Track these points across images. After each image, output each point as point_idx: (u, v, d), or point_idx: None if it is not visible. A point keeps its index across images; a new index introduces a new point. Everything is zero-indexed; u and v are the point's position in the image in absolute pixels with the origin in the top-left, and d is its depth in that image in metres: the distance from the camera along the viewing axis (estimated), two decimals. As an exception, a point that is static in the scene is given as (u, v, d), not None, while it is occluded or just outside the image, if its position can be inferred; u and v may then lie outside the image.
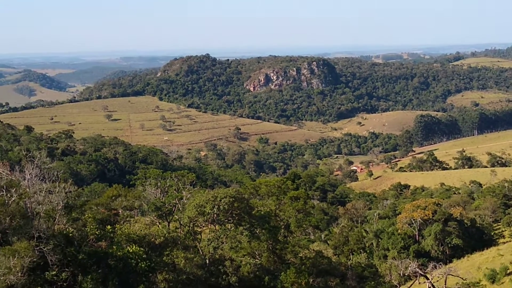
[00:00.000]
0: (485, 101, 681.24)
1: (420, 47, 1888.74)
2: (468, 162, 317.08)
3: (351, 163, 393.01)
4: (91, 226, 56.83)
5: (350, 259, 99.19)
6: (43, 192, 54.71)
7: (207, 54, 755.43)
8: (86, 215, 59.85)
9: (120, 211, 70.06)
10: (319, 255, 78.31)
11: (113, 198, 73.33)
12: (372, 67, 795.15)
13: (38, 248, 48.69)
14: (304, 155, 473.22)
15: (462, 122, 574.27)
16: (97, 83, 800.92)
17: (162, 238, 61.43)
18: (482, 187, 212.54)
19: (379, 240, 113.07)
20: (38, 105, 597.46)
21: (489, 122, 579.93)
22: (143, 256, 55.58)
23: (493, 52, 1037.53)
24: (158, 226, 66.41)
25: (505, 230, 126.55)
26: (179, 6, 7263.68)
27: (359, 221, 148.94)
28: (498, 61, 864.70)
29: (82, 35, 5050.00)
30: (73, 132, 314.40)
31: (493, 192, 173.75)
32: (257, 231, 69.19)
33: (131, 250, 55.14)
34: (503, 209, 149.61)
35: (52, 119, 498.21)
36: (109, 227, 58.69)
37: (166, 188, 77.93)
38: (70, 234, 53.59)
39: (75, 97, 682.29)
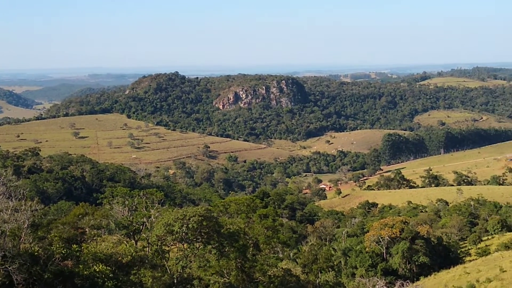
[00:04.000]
0: (451, 120, 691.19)
1: (388, 66, 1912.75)
2: (434, 180, 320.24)
3: (319, 181, 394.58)
4: (57, 245, 56.03)
5: (319, 277, 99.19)
6: (9, 210, 53.89)
7: (176, 72, 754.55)
8: (52, 234, 59.02)
9: (87, 230, 69.29)
10: (287, 273, 78.19)
11: (79, 216, 72.44)
12: (340, 86, 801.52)
13: (3, 267, 47.86)
14: (273, 173, 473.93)
15: (429, 141, 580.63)
16: (64, 100, 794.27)
17: (129, 257, 60.77)
18: (448, 205, 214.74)
19: (347, 258, 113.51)
20: (5, 122, 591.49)
21: (455, 141, 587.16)
22: (110, 275, 54.91)
23: (459, 72, 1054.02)
24: (126, 245, 65.73)
25: (471, 248, 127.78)
26: (147, 23, 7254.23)
27: (327, 239, 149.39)
28: (464, 81, 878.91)
29: (49, 52, 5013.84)
30: (40, 150, 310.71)
31: (459, 210, 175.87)
32: (226, 250, 68.91)
33: (97, 269, 54.44)
34: (469, 227, 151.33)
35: (19, 136, 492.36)
36: (75, 246, 57.88)
37: (134, 207, 77.32)
38: (36, 253, 52.78)
39: (42, 114, 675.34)
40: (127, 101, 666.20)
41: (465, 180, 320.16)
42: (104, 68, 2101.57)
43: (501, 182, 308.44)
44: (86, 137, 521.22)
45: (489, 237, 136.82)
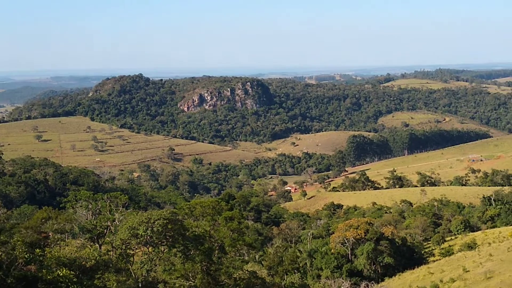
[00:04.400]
0: (415, 122, 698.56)
1: (352, 68, 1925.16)
2: (399, 181, 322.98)
3: (285, 183, 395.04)
4: (20, 250, 55.28)
5: (284, 279, 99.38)
6: (-30, 215, 53.14)
7: (140, 74, 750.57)
8: (15, 238, 58.24)
9: (50, 234, 68.50)
10: (253, 275, 78.13)
11: (43, 220, 71.63)
12: (305, 88, 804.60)
13: (-37, 273, 47.09)
14: (238, 175, 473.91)
15: (393, 142, 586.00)
16: (27, 103, 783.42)
17: (93, 261, 60.19)
18: (412, 206, 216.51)
19: (313, 260, 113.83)
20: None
21: (419, 142, 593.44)
22: (74, 279, 54.31)
23: (422, 74, 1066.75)
24: (90, 249, 65.10)
25: (435, 249, 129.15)
26: (111, 25, 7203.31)
27: (293, 241, 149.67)
28: (427, 83, 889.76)
29: (11, 55, 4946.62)
30: (2, 153, 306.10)
31: (423, 211, 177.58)
32: (191, 253, 68.66)
33: (61, 274, 53.82)
34: (433, 228, 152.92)
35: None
36: (38, 250, 57.16)
37: (98, 210, 76.65)
38: (-2, 258, 52.05)
39: (4, 117, 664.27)
40: (91, 103, 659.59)
41: (429, 181, 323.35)
42: (67, 70, 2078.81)
43: (464, 183, 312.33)
44: (49, 140, 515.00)
45: (453, 237, 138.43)
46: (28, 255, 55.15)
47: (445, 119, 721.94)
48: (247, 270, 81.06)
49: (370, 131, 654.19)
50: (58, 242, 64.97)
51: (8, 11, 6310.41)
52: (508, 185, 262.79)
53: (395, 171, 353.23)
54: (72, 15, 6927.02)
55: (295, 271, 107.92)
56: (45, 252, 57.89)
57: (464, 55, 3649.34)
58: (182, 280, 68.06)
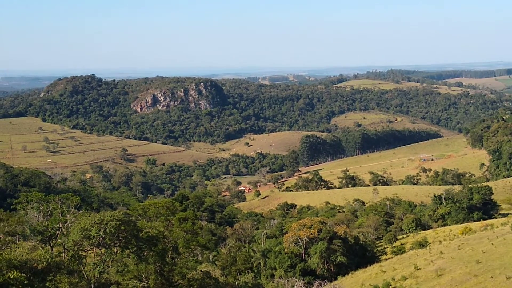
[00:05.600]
0: (367, 122, 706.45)
1: (305, 69, 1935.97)
2: (351, 181, 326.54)
3: (239, 183, 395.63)
4: (-31, 253, 54.51)
5: (238, 279, 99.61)
6: None
7: (93, 74, 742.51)
8: (-36, 241, 57.36)
9: (1, 236, 67.56)
10: (206, 276, 78.25)
11: (-7, 223, 70.64)
12: (259, 88, 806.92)
13: None
14: (192, 176, 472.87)
15: (346, 142, 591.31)
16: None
17: (45, 263, 59.55)
18: (365, 205, 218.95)
19: (267, 259, 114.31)
20: None
21: (371, 142, 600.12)
22: (25, 282, 53.74)
23: (374, 75, 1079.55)
24: (41, 251, 64.36)
25: (387, 247, 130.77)
26: (61, 25, 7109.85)
27: (247, 241, 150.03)
28: (379, 83, 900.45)
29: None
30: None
31: (375, 210, 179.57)
32: (144, 254, 68.40)
33: (12, 276, 53.18)
34: (385, 227, 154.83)
35: None
36: (-12, 253, 56.42)
37: (49, 212, 75.76)
38: None
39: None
40: (42, 104, 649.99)
41: (381, 180, 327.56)
42: (17, 71, 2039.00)
43: (415, 182, 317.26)
44: (0, 141, 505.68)
45: (404, 235, 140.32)
46: (-23, 258, 54.35)
47: (396, 119, 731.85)
48: (200, 271, 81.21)
49: (323, 131, 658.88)
50: (9, 245, 64.10)
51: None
52: (458, 184, 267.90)
53: (347, 171, 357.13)
54: (23, 13, 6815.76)
55: (249, 271, 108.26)
56: (-5, 254, 57.12)
57: (415, 56, 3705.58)
58: (136, 281, 67.77)
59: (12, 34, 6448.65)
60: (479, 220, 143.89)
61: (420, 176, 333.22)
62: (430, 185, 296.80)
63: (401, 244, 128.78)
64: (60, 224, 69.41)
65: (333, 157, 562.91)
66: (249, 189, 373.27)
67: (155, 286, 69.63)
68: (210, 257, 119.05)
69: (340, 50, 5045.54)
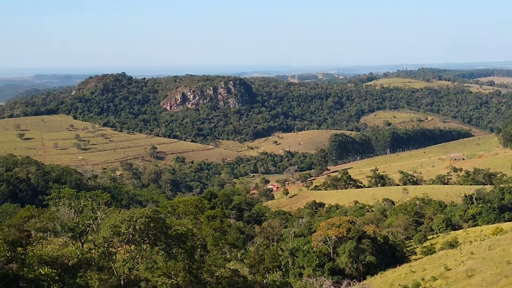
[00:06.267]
0: (397, 121, 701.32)
1: (335, 67, 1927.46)
2: (381, 180, 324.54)
3: (267, 181, 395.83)
4: (2, 248, 55.14)
5: (266, 277, 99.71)
6: (-49, 213, 52.94)
7: (123, 72, 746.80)
8: (-4, 237, 58.08)
9: (32, 232, 68.33)
10: (235, 274, 78.44)
11: (25, 219, 71.39)
12: (288, 86, 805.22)
13: None
14: (220, 174, 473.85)
15: (375, 141, 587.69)
16: (9, 101, 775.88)
17: (75, 259, 60.15)
18: (394, 204, 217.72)
19: (295, 258, 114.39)
20: None
21: (401, 141, 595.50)
22: (56, 278, 54.32)
23: (405, 73, 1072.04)
24: (72, 247, 65.03)
25: (417, 247, 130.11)
26: (93, 23, 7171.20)
27: (275, 240, 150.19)
28: (410, 82, 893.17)
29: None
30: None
31: (405, 209, 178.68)
32: (173, 251, 68.81)
33: (43, 272, 53.80)
34: (415, 226, 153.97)
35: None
36: (20, 249, 57.07)
37: (80, 208, 76.51)
38: (-21, 257, 51.95)
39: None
40: (74, 102, 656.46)
41: (411, 180, 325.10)
42: (49, 68, 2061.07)
43: (445, 182, 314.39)
44: (32, 138, 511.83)
45: (434, 236, 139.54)
46: (9, 253, 55.04)
47: (427, 118, 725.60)
48: (229, 268, 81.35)
49: (352, 130, 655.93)
50: (40, 241, 64.76)
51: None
52: (489, 184, 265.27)
53: (377, 170, 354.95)
54: (54, 13, 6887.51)
55: (277, 269, 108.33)
56: (27, 250, 57.85)
57: (446, 55, 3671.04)
58: (164, 278, 68.17)
59: (43, 32, 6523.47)
60: (511, 221, 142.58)
61: (451, 175, 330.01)
62: (461, 185, 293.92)
63: (431, 244, 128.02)
64: (91, 220, 70.06)
65: (362, 156, 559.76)
66: (277, 187, 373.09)
67: (184, 283, 70.01)
68: (238, 255, 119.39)
69: (370, 49, 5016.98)
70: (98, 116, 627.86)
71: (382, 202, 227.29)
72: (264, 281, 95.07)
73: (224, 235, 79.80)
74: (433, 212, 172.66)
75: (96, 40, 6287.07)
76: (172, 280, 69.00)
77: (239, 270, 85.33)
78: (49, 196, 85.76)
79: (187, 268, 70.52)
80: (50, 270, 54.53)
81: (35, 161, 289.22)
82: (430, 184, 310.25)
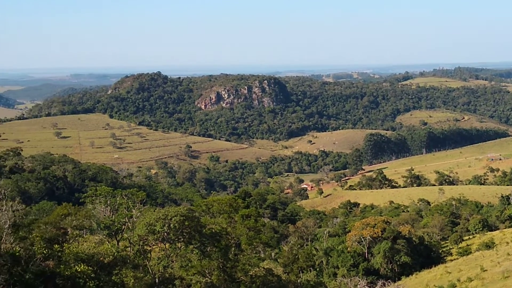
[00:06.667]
0: (433, 120, 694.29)
1: (370, 66, 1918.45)
2: (416, 180, 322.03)
3: (301, 181, 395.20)
4: (39, 245, 55.87)
5: (300, 277, 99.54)
6: (-10, 210, 53.71)
7: (159, 71, 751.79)
8: (34, 234, 58.80)
9: (69, 230, 69.15)
10: (269, 273, 78.46)
11: (62, 216, 72.28)
12: (322, 86, 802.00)
13: (-17, 268, 47.67)
14: (255, 173, 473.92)
15: (411, 141, 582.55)
16: (46, 100, 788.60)
17: (111, 257, 60.71)
18: (430, 205, 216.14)
19: (329, 258, 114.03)
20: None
21: (437, 141, 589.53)
22: (92, 275, 54.87)
23: (441, 72, 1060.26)
24: (107, 245, 65.69)
25: (453, 248, 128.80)
26: (130, 23, 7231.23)
27: (309, 239, 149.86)
28: (446, 81, 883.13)
29: (31, 52, 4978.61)
30: (22, 150, 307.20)
31: (441, 210, 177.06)
32: (207, 250, 69.06)
33: (79, 269, 54.37)
34: (451, 227, 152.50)
35: (0, 136, 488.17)
36: (57, 246, 57.75)
37: (116, 207, 77.18)
38: (17, 254, 52.61)
39: (24, 114, 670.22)
40: (110, 101, 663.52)
41: (447, 180, 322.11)
42: (86, 68, 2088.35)
43: (482, 182, 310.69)
44: (68, 137, 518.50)
45: (470, 236, 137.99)
46: (46, 250, 55.72)
47: (464, 118, 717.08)
48: (263, 268, 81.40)
49: (387, 130, 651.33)
50: (76, 238, 65.50)
51: (28, 9, 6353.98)
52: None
53: (412, 170, 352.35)
54: (92, 13, 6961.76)
55: (311, 269, 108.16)
56: (64, 248, 58.50)
57: (483, 54, 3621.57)
58: (199, 277, 68.46)
59: (81, 32, 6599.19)
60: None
61: (488, 176, 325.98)
62: (498, 185, 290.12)
63: (467, 245, 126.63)
64: (126, 218, 70.64)
65: (398, 156, 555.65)
66: (311, 187, 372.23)
67: (218, 282, 70.23)
68: (272, 254, 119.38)
69: (406, 48, 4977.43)
70: (133, 115, 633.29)
71: (418, 202, 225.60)
72: (298, 281, 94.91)
73: (258, 234, 79.87)
74: (469, 212, 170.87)
75: (132, 40, 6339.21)
76: (206, 278, 69.27)
77: (273, 269, 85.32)
78: (85, 194, 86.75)
79: (221, 266, 70.75)
80: (86, 268, 55.10)
81: (71, 160, 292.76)
82: (466, 184, 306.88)
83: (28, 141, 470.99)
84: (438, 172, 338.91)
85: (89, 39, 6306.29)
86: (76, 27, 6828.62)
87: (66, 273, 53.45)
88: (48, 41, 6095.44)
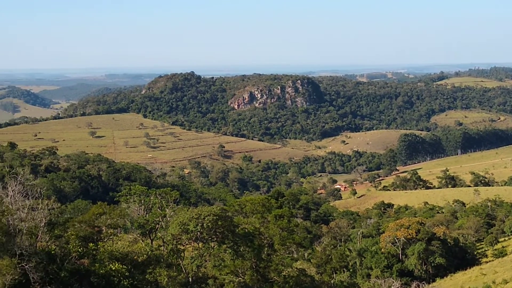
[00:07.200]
0: (468, 121, 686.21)
1: (404, 66, 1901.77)
2: (451, 181, 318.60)
3: (334, 181, 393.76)
4: (74, 243, 56.42)
5: (333, 277, 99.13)
6: (26, 209, 54.32)
7: (192, 71, 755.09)
8: (69, 232, 59.40)
9: (103, 229, 69.71)
10: (302, 273, 78.24)
11: (97, 215, 72.97)
12: (356, 86, 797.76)
13: (20, 265, 48.21)
14: (288, 173, 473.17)
15: (446, 142, 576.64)
16: (81, 100, 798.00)
17: (145, 255, 61.11)
18: (465, 206, 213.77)
19: (363, 259, 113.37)
20: (22, 121, 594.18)
21: (473, 142, 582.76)
22: (126, 274, 55.24)
23: (477, 72, 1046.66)
24: (141, 244, 66.11)
25: (488, 250, 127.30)
26: (163, 23, 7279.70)
27: (342, 240, 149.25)
28: (482, 81, 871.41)
29: (67, 52, 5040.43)
30: (57, 149, 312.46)
31: (476, 211, 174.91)
32: (240, 249, 69.09)
33: (113, 268, 54.78)
34: (486, 229, 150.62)
35: (36, 135, 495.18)
36: (92, 244, 58.27)
37: (150, 206, 77.64)
38: (53, 252, 53.18)
39: (59, 113, 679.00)
40: (143, 100, 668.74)
41: (482, 181, 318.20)
42: (120, 68, 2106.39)
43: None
44: (103, 136, 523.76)
45: (506, 238, 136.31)
46: (81, 249, 56.26)
47: (500, 118, 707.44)
48: (296, 268, 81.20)
49: (422, 130, 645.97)
50: (111, 237, 66.01)
51: (64, 10, 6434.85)
52: None
53: (447, 171, 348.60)
54: (127, 14, 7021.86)
55: (344, 269, 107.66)
56: (98, 246, 58.98)
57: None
58: (232, 276, 68.52)
59: (116, 32, 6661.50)
60: None
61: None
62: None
63: (503, 246, 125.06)
64: (160, 218, 71.03)
65: (433, 157, 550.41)
66: (345, 187, 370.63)
67: (251, 281, 70.22)
68: (305, 254, 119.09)
69: (441, 47, 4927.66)
70: (167, 114, 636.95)
71: (453, 204, 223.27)
72: (331, 281, 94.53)
73: (291, 235, 79.71)
74: (505, 214, 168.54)
75: (166, 41, 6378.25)
76: (240, 278, 69.31)
77: (306, 269, 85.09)
78: (119, 193, 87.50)
79: (254, 266, 70.74)
80: (121, 266, 55.49)
81: (106, 159, 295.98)
82: (502, 185, 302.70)
83: (64, 140, 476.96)
84: (474, 173, 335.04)
85: (124, 40, 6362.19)
86: (111, 28, 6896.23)
87: (101, 271, 53.89)
88: (84, 41, 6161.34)
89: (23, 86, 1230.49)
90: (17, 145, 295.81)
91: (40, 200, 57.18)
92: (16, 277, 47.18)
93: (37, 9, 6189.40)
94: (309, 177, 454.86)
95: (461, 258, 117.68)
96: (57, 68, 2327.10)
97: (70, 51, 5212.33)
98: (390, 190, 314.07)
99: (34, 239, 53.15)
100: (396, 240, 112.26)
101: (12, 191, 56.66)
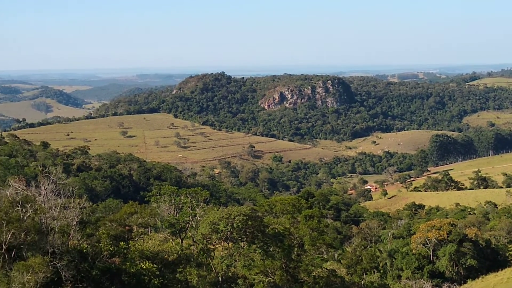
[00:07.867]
0: (501, 122, 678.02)
1: (436, 66, 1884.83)
2: (483, 182, 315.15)
3: (365, 182, 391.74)
4: (105, 242, 56.96)
5: (363, 278, 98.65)
6: (58, 207, 54.95)
7: (222, 72, 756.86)
8: (101, 231, 59.98)
9: (134, 228, 70.23)
10: (332, 274, 78.03)
11: (128, 214, 73.58)
12: (387, 86, 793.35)
13: (52, 263, 48.75)
14: (318, 173, 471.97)
15: (478, 142, 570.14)
16: (113, 100, 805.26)
17: (175, 255, 61.43)
18: (497, 207, 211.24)
19: (393, 260, 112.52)
20: (55, 121, 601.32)
21: (505, 143, 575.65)
22: (156, 272, 55.61)
23: (510, 73, 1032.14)
24: (172, 243, 66.45)
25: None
26: (195, 24, 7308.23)
27: (373, 241, 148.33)
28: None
29: (99, 53, 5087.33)
30: (89, 148, 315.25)
31: (508, 212, 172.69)
32: (270, 249, 69.11)
33: (144, 267, 55.19)
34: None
35: (68, 135, 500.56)
36: (122, 243, 58.75)
37: (180, 205, 77.99)
38: (84, 250, 53.75)
39: (91, 113, 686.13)
40: (174, 101, 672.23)
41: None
42: (152, 68, 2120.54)
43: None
44: (134, 136, 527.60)
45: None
46: (112, 247, 56.77)
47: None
48: (326, 269, 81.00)
49: (454, 131, 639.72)
50: (141, 236, 66.51)
51: (97, 11, 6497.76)
52: None
53: (479, 172, 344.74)
54: (157, 14, 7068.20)
55: (374, 270, 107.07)
56: (129, 245, 59.46)
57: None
58: (262, 276, 68.59)
59: (147, 33, 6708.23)
60: None
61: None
62: None
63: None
64: (190, 217, 71.29)
65: (464, 158, 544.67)
66: (375, 188, 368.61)
67: (281, 282, 70.20)
68: (336, 255, 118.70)
69: (473, 47, 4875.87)
70: (197, 114, 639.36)
71: (485, 205, 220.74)
72: (362, 282, 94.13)
73: (321, 235, 79.47)
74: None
75: (197, 41, 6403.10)
76: (269, 278, 69.33)
77: (336, 270, 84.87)
78: (150, 193, 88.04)
79: (284, 267, 70.71)
80: (151, 265, 55.89)
81: (137, 158, 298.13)
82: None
83: (95, 140, 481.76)
84: (506, 174, 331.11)
85: (155, 40, 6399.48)
86: (143, 28, 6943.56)
87: (132, 270, 54.30)
88: (116, 42, 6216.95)
89: (56, 86, 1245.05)
90: (49, 144, 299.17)
91: (72, 199, 57.83)
92: (48, 275, 47.70)
93: (72, 11, 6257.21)
94: (339, 178, 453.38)
95: (493, 259, 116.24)
96: (89, 68, 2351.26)
97: (102, 52, 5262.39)
98: (421, 191, 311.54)
99: (66, 238, 53.73)
100: (427, 241, 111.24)
101: (45, 190, 57.36)
